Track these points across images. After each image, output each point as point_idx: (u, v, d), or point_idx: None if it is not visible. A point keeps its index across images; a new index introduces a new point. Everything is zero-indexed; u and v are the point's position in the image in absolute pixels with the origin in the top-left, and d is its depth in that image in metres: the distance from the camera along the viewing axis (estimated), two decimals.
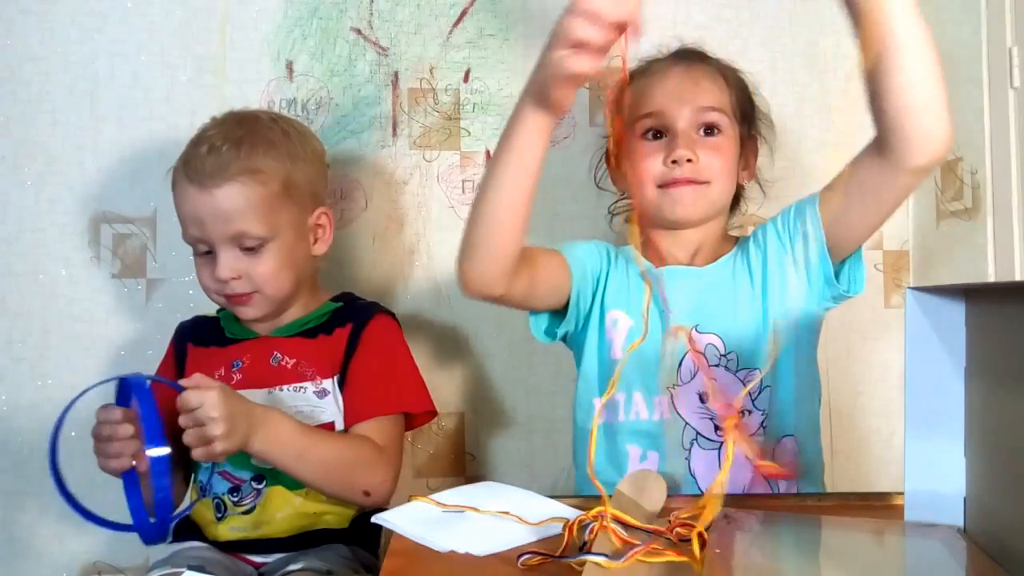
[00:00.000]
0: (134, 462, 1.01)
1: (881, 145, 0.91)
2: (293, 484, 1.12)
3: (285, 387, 1.14)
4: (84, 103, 1.40)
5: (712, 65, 1.16)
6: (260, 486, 1.12)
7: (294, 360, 1.16)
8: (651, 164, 1.10)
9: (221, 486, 1.13)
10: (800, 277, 1.07)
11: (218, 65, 1.43)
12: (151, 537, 0.97)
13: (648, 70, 1.16)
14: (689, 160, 1.08)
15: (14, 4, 1.39)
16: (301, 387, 1.14)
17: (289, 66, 1.44)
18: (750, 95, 1.19)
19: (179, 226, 1.16)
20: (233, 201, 1.10)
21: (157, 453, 0.90)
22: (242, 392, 1.10)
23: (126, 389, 0.99)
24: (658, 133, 1.11)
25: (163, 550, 1.15)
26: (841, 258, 1.04)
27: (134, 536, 1.33)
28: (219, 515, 1.13)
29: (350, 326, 1.17)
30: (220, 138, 1.12)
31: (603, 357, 1.12)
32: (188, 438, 0.97)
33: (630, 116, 1.15)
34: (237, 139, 1.12)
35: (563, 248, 1.12)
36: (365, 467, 1.10)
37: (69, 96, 1.40)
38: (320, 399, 1.14)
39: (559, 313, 1.12)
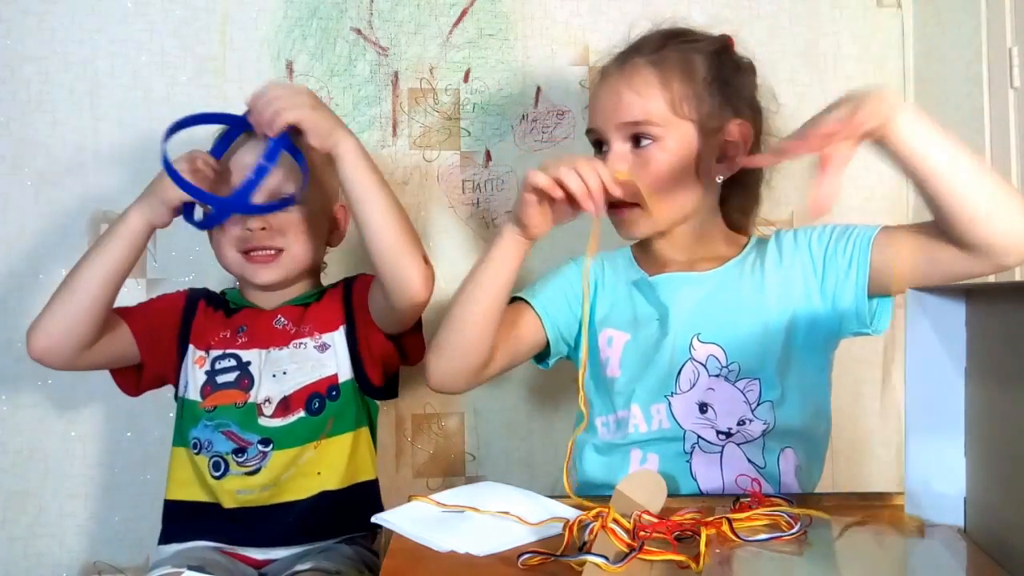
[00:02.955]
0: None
1: (960, 245, 0.89)
2: (301, 441, 1.14)
3: (284, 347, 1.17)
4: (84, 103, 1.40)
5: (653, 61, 1.05)
6: (267, 449, 1.14)
7: (296, 324, 1.19)
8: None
9: (224, 445, 1.14)
10: (825, 305, 1.03)
11: (218, 65, 1.43)
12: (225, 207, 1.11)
13: (602, 72, 1.12)
14: None
15: (14, 4, 1.39)
16: (301, 343, 1.18)
17: (289, 66, 1.44)
18: (725, 76, 1.07)
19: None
20: None
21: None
22: (246, 352, 1.17)
23: (229, 138, 1.18)
24: (602, 144, 1.09)
25: (164, 550, 1.15)
26: (872, 295, 1.01)
27: (134, 536, 1.32)
28: (216, 474, 1.14)
29: (341, 284, 1.22)
30: None
31: (598, 376, 1.11)
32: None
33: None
34: None
35: (530, 294, 1.12)
36: (419, 238, 1.11)
37: (69, 96, 1.40)
38: (321, 353, 1.18)
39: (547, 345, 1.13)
